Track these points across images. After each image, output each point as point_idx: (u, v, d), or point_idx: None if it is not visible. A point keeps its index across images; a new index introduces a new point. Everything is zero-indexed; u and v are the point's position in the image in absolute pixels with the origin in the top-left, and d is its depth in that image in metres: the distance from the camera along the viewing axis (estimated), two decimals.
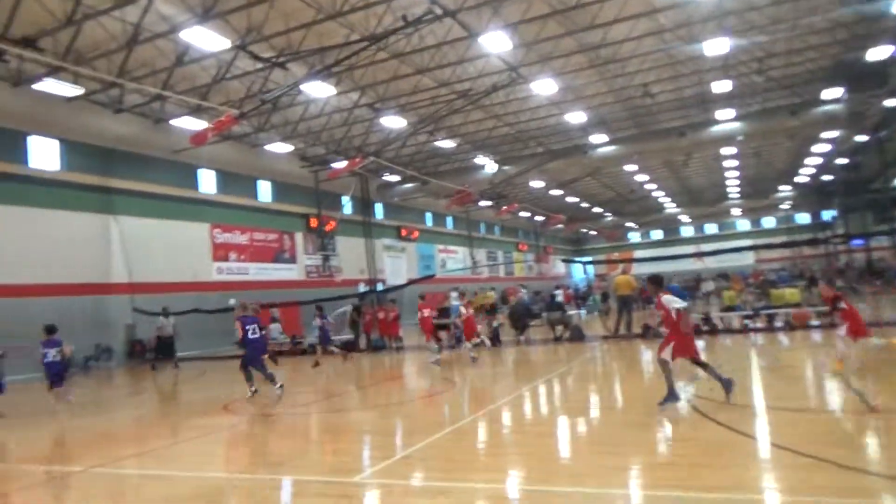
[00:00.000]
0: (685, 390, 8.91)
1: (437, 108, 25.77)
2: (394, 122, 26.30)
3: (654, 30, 20.57)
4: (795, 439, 6.10)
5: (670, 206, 61.86)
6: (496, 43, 18.96)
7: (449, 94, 24.65)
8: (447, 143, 31.83)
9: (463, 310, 16.30)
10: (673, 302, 7.97)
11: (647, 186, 50.29)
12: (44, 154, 21.62)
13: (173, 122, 23.06)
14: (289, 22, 17.59)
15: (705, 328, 17.36)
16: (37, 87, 18.40)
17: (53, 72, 17.80)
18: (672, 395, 7.83)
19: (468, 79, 23.39)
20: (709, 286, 34.77)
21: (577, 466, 6.17)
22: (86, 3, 14.89)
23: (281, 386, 11.75)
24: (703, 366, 8.09)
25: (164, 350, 20.43)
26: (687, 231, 72.00)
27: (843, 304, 8.67)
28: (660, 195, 55.64)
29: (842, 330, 8.73)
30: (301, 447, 8.10)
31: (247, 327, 11.90)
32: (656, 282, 8.48)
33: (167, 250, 24.95)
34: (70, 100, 19.98)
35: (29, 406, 12.77)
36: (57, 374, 11.68)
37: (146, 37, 16.95)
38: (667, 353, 7.83)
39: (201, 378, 17.29)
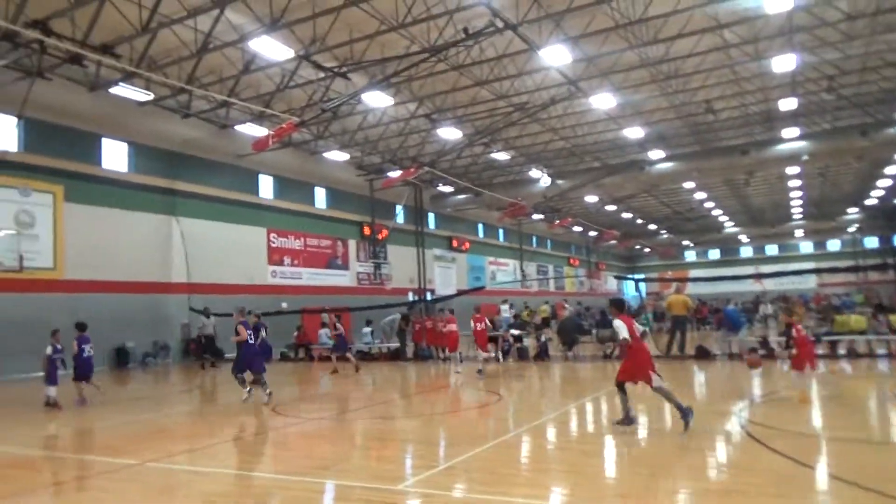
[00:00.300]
0: (740, 416, 8.60)
1: (493, 120, 25.82)
2: (450, 133, 26.47)
3: (719, 45, 20.13)
4: (858, 472, 5.81)
5: (729, 226, 60.16)
6: (556, 56, 18.91)
7: (506, 107, 24.67)
8: (502, 156, 31.83)
9: (474, 324, 16.27)
10: (620, 330, 8.09)
11: (706, 205, 49.08)
12: (115, 156, 22.67)
13: (237, 128, 23.79)
14: (352, 33, 17.95)
15: (762, 352, 16.74)
16: (112, 91, 19.28)
17: (128, 77, 18.63)
18: (627, 419, 8.10)
19: (526, 92, 23.36)
20: (767, 309, 33.61)
21: (625, 487, 6.02)
22: (161, 12, 15.54)
23: (270, 393, 11.89)
24: (661, 391, 8.00)
25: (207, 349, 21.18)
26: (746, 252, 69.85)
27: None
28: (719, 213, 54.21)
29: None
30: (346, 452, 8.18)
31: (248, 332, 12.24)
32: (616, 305, 8.72)
33: (225, 253, 25.69)
34: (141, 104, 20.87)
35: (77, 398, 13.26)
36: (91, 369, 12.66)
37: (215, 45, 17.55)
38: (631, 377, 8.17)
39: (250, 379, 17.62)
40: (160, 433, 9.84)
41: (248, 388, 12.07)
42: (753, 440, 7.38)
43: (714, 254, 71.56)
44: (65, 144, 20.77)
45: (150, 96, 20.05)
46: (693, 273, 66.37)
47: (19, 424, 10.86)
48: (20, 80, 17.32)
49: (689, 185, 38.28)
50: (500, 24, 16.51)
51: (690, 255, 72.96)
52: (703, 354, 17.22)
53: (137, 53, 17.63)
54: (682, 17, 17.97)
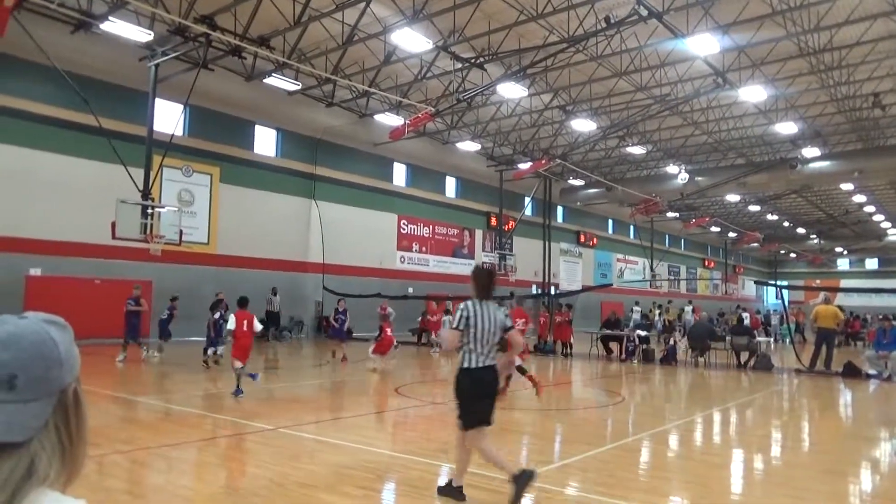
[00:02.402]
0: (893, 443, 7.80)
1: (631, 112, 24.95)
2: (584, 125, 25.88)
3: (893, 32, 18.12)
4: None
5: (893, 233, 54.25)
6: (703, 45, 17.84)
7: (645, 99, 23.74)
8: (637, 150, 30.71)
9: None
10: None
11: (866, 209, 44.60)
12: (265, 141, 24.41)
13: (375, 117, 24.73)
14: (491, 23, 18.03)
15: None
16: (265, 81, 20.70)
17: (280, 68, 19.92)
18: None
19: (668, 83, 22.32)
20: None
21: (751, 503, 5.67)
22: (312, 6, 16.44)
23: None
24: None
25: (271, 322, 22.19)
26: None
27: None
28: (881, 219, 49.05)
29: None
30: None
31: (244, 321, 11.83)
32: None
33: (358, 236, 26.90)
34: (290, 94, 22.27)
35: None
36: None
37: (360, 37, 18.31)
38: None
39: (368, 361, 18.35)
40: (293, 402, 10.52)
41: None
42: None
43: (872, 263, 64.92)
44: (223, 130, 22.67)
45: (299, 86, 21.31)
46: (844, 283, 60.63)
47: (177, 383, 12.04)
48: (187, 71, 19.05)
49: (846, 186, 34.92)
50: (643, 13, 15.87)
51: (843, 264, 66.68)
52: (852, 372, 15.74)
53: (289, 46, 18.79)
54: (851, 2, 16.38)
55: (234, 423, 8.40)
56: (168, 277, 20.11)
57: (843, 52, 19.39)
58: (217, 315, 14.82)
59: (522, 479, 5.09)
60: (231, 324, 10.51)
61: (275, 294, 22.61)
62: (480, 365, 5.28)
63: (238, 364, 10.30)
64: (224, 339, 14.26)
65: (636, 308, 27.48)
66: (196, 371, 13.79)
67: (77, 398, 0.93)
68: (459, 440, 5.50)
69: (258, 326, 10.80)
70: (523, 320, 12.62)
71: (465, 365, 5.30)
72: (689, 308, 30.11)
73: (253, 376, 10.62)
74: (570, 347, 20.20)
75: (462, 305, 5.38)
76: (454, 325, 5.32)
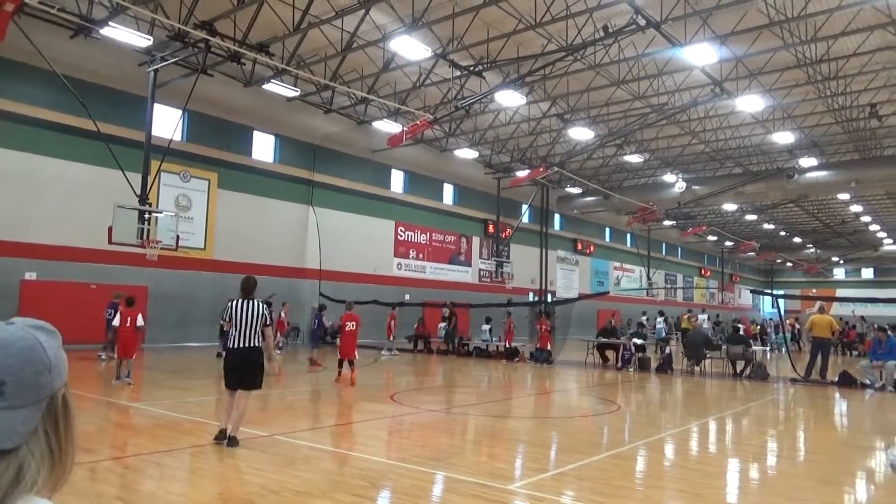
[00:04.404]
0: (889, 453, 7.79)
1: (629, 121, 25.04)
2: (581, 133, 25.96)
3: (890, 43, 18.23)
4: None
5: (888, 243, 54.39)
6: (700, 55, 17.94)
7: (643, 108, 23.83)
8: (635, 158, 30.80)
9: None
10: None
11: (862, 219, 44.75)
12: (263, 147, 24.44)
13: (374, 123, 24.77)
14: (489, 31, 18.10)
15: None
16: (264, 87, 20.73)
17: (279, 74, 19.96)
18: None
19: (665, 92, 22.41)
20: None
21: None
22: (311, 13, 16.49)
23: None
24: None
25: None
26: None
27: None
28: (876, 229, 49.20)
29: None
30: (458, 446, 8.31)
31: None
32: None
33: (355, 243, 26.91)
34: (289, 100, 22.31)
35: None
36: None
37: (359, 44, 18.36)
38: None
39: (373, 366, 18.34)
40: (288, 409, 10.49)
41: None
42: None
43: (868, 273, 65.05)
44: (221, 135, 22.69)
45: (297, 92, 21.35)
46: (840, 292, 60.72)
47: (169, 389, 11.99)
48: (186, 77, 19.07)
49: (843, 196, 35.05)
50: (641, 22, 15.95)
51: (839, 273, 66.80)
52: (847, 381, 15.75)
53: (288, 52, 18.83)
54: (849, 13, 16.48)
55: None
56: (165, 283, 20.07)
57: (839, 63, 19.49)
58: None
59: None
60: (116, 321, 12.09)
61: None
62: None
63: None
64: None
65: (659, 319, 27.37)
66: (189, 376, 13.74)
67: (66, 404, 0.93)
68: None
69: (140, 322, 12.19)
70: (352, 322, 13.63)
71: None
72: (703, 316, 30.03)
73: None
74: (550, 354, 20.55)
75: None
76: None
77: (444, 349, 23.24)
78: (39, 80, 17.56)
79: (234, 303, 7.29)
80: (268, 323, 7.33)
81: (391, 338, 21.86)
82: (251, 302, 7.27)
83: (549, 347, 20.65)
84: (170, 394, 11.41)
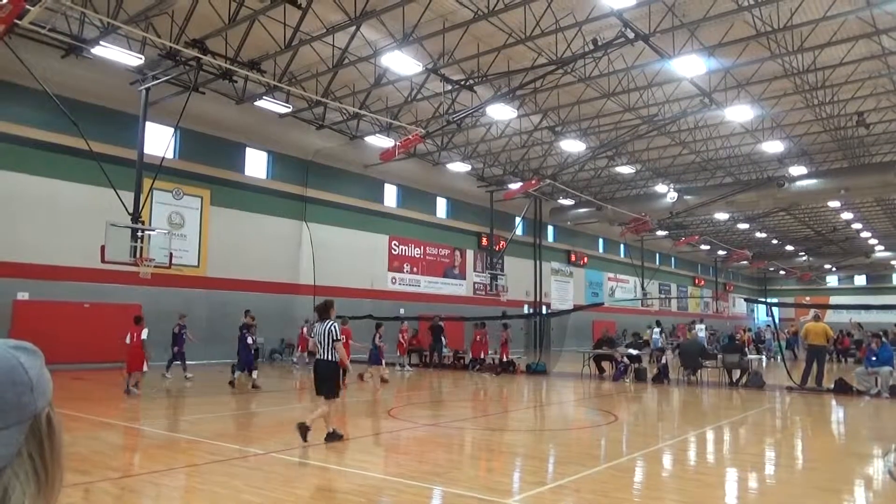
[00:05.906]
0: (886, 460, 7.81)
1: (619, 132, 25.19)
2: (573, 145, 26.10)
3: (875, 53, 18.46)
4: None
5: (880, 250, 54.78)
6: (689, 67, 18.15)
7: (633, 119, 24.00)
8: (626, 169, 30.97)
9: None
10: None
11: (853, 226, 45.06)
12: (256, 164, 24.44)
13: (366, 138, 24.82)
14: (480, 46, 18.22)
15: None
16: (256, 104, 20.77)
17: (270, 91, 20.00)
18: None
19: (655, 103, 22.60)
20: None
21: None
22: (303, 30, 16.57)
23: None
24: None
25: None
26: None
27: None
28: (867, 236, 49.56)
29: None
30: (456, 460, 8.26)
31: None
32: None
33: (349, 258, 26.87)
34: (281, 116, 22.34)
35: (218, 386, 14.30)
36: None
37: (350, 60, 18.45)
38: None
39: (368, 381, 18.22)
40: (282, 426, 10.41)
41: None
42: None
43: (860, 280, 65.41)
44: (213, 152, 22.68)
45: (289, 108, 21.39)
46: (834, 300, 60.98)
47: (164, 408, 11.89)
48: (178, 95, 19.09)
49: (833, 204, 35.30)
50: (630, 35, 16.11)
51: (832, 280, 67.13)
52: (843, 389, 15.78)
53: (280, 69, 18.89)
54: (834, 24, 16.69)
55: (224, 447, 8.30)
56: (158, 301, 19.96)
57: (826, 73, 19.71)
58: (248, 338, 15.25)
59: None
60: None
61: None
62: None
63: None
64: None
65: (655, 329, 27.44)
66: (185, 394, 13.64)
67: (51, 424, 0.91)
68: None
69: (144, 335, 13.39)
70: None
71: None
72: (700, 326, 30.18)
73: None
74: (483, 363, 21.54)
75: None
76: None
77: (435, 363, 23.12)
78: (31, 99, 17.55)
79: (315, 324, 9.03)
80: (337, 338, 8.65)
81: (405, 353, 22.26)
82: (327, 322, 8.75)
83: (482, 356, 21.87)
84: (166, 413, 11.32)
